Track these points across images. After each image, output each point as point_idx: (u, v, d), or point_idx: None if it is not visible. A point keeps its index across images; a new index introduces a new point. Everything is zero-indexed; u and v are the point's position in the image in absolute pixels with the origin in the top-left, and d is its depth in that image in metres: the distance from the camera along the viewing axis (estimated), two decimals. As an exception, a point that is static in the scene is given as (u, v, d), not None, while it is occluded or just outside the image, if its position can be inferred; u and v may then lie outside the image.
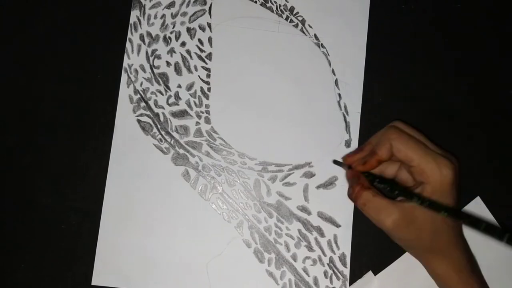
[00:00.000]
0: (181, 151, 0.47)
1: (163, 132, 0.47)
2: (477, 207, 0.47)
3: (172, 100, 0.48)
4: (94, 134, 0.47)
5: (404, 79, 0.49)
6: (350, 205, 0.47)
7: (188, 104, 0.48)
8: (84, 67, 0.48)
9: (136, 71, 0.48)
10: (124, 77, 0.48)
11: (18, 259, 0.45)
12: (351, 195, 0.41)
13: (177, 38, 0.49)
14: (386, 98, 0.48)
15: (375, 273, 0.46)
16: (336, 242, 0.46)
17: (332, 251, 0.46)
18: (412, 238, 0.39)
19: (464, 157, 0.44)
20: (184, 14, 0.49)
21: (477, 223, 0.36)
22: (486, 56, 0.49)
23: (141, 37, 0.48)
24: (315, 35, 0.49)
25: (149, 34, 0.48)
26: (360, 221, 0.46)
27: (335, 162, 0.45)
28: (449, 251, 0.40)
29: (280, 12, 0.49)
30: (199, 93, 0.48)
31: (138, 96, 0.48)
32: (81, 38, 0.48)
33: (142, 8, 0.49)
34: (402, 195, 0.39)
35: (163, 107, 0.48)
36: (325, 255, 0.46)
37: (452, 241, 0.40)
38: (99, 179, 0.46)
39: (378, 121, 0.48)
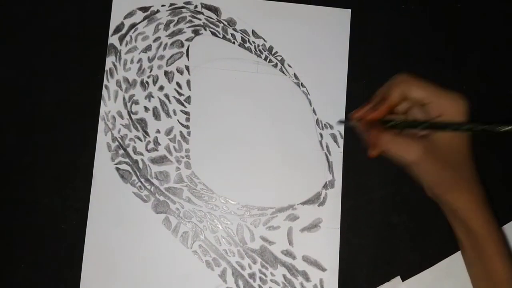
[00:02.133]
0: (162, 198, 0.46)
1: (142, 180, 0.46)
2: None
3: (151, 146, 0.47)
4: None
5: None
6: (336, 247, 0.46)
7: (168, 149, 0.47)
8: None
9: (114, 118, 0.47)
10: (101, 125, 0.47)
11: (18, 259, 0.45)
12: (370, 141, 0.40)
13: (154, 82, 0.48)
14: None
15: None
16: (322, 287, 0.45)
17: (318, 296, 0.45)
18: (437, 171, 0.39)
19: None
20: (161, 57, 0.48)
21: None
22: (486, 56, 0.50)
23: (118, 83, 0.48)
24: (294, 74, 0.49)
25: (125, 79, 0.48)
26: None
27: (341, 121, 0.45)
28: (471, 184, 0.40)
29: (258, 52, 0.49)
30: (178, 137, 0.47)
31: (117, 143, 0.47)
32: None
33: (118, 54, 0.48)
34: (431, 128, 0.39)
35: (142, 154, 0.47)
36: (311, 300, 0.45)
37: (473, 173, 0.40)
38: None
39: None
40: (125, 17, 0.48)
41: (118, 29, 0.48)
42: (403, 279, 0.46)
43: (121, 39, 0.48)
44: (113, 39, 0.48)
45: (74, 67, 0.48)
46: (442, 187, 0.41)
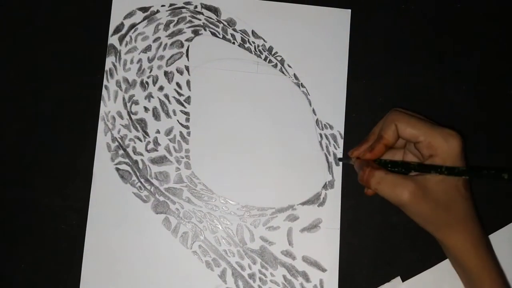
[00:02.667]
0: (161, 198, 0.46)
1: (142, 180, 0.46)
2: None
3: (151, 146, 0.47)
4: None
5: (403, 79, 0.49)
6: (336, 248, 0.46)
7: (168, 149, 0.47)
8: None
9: (114, 118, 0.47)
10: (101, 125, 0.47)
11: (18, 259, 0.45)
12: (363, 177, 0.40)
13: (154, 83, 0.48)
14: (385, 97, 0.49)
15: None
16: (322, 287, 0.45)
17: (318, 296, 0.45)
18: (428, 211, 0.38)
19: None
20: (161, 57, 0.48)
21: (501, 172, 0.35)
22: (486, 56, 0.50)
23: (118, 83, 0.48)
24: (294, 74, 0.49)
25: (125, 79, 0.48)
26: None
27: (340, 159, 0.45)
28: (465, 223, 0.39)
29: (258, 53, 0.49)
30: (178, 138, 0.47)
31: (116, 144, 0.47)
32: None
33: (118, 54, 0.48)
34: (418, 171, 0.39)
35: (142, 154, 0.47)
36: (311, 301, 0.45)
37: (468, 213, 0.40)
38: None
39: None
40: (125, 17, 0.48)
41: (118, 29, 0.48)
42: (403, 280, 0.46)
43: (121, 39, 0.48)
44: (113, 39, 0.48)
45: (74, 67, 0.48)
46: (434, 226, 0.40)
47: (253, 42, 0.49)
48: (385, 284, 0.46)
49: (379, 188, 0.39)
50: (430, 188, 0.38)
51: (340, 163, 0.47)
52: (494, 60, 0.50)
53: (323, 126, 0.48)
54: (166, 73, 0.48)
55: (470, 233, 0.40)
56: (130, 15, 0.48)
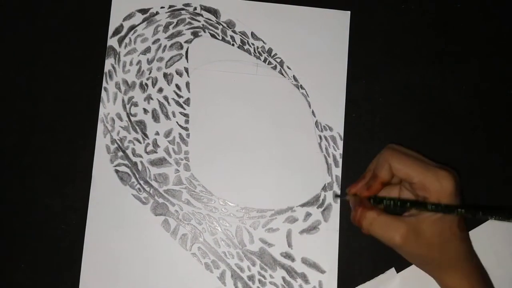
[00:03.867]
0: (161, 200, 0.46)
1: (141, 182, 0.46)
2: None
3: (150, 148, 0.47)
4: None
5: (403, 79, 0.49)
6: (335, 249, 0.46)
7: (167, 151, 0.47)
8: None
9: (113, 120, 0.47)
10: (100, 127, 0.47)
11: (18, 259, 0.45)
12: (355, 217, 0.40)
13: (154, 84, 0.48)
14: (385, 97, 0.49)
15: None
16: (321, 289, 0.45)
17: (317, 298, 0.45)
18: (422, 253, 0.38)
19: (464, 156, 0.46)
20: (161, 59, 0.48)
21: (499, 211, 0.35)
22: (486, 56, 0.50)
23: (117, 85, 0.48)
24: (294, 76, 0.48)
25: (125, 81, 0.48)
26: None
27: (337, 196, 0.45)
28: (460, 264, 0.39)
29: (258, 54, 0.49)
30: (177, 139, 0.47)
31: (116, 145, 0.47)
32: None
33: (117, 56, 0.48)
34: (413, 207, 0.38)
35: (141, 156, 0.47)
36: (310, 303, 0.45)
37: (462, 253, 0.39)
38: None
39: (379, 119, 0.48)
40: (124, 19, 0.48)
41: (117, 31, 0.48)
42: (398, 271, 0.46)
43: (120, 41, 0.48)
44: (112, 41, 0.48)
45: (73, 68, 0.48)
46: (429, 266, 0.40)
47: (253, 44, 0.49)
48: (379, 276, 0.45)
49: (371, 229, 0.38)
50: (424, 230, 0.38)
51: (338, 199, 0.47)
52: (494, 60, 0.50)
53: (323, 127, 0.48)
54: (165, 75, 0.48)
55: (465, 273, 0.39)
56: (129, 16, 0.48)
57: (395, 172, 0.39)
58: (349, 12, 0.49)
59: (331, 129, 0.48)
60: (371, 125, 0.48)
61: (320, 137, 0.48)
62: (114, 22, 0.48)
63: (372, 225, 0.38)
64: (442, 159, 0.47)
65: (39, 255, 0.45)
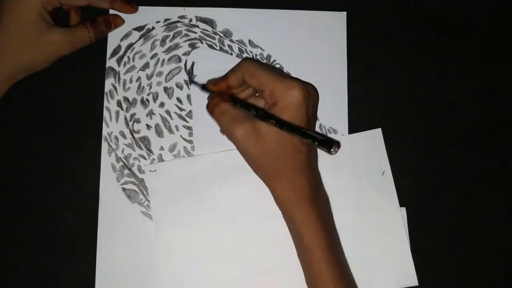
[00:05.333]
0: (170, 215, 0.46)
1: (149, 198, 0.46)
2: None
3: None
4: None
5: (403, 79, 0.49)
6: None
7: (173, 165, 0.47)
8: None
9: (117, 138, 0.47)
10: (104, 146, 0.47)
11: (18, 259, 0.45)
12: (209, 105, 0.42)
13: (155, 99, 0.48)
14: (385, 97, 0.48)
15: None
16: None
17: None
18: (257, 155, 0.40)
19: (464, 156, 0.46)
20: (160, 74, 0.48)
21: (326, 141, 0.36)
22: (486, 55, 0.49)
23: (118, 103, 0.48)
24: (294, 81, 0.48)
25: (126, 99, 0.48)
26: None
27: (192, 82, 0.47)
28: (293, 176, 0.40)
29: (257, 62, 0.48)
30: (183, 153, 0.47)
31: (121, 163, 0.47)
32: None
33: (117, 75, 0.48)
34: (258, 116, 0.39)
35: (147, 172, 0.47)
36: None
37: (298, 166, 0.40)
38: (99, 179, 0.46)
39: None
40: (122, 39, 0.48)
41: (115, 51, 0.48)
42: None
43: (119, 60, 0.48)
44: (111, 62, 0.48)
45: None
46: (263, 172, 0.41)
47: (251, 52, 0.49)
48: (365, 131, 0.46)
49: (220, 118, 0.41)
50: (265, 133, 0.39)
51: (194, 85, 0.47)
52: (494, 60, 0.49)
53: (327, 131, 0.48)
54: (166, 89, 0.48)
55: (295, 186, 0.40)
56: (126, 36, 0.48)
57: (248, 79, 0.41)
58: (345, 13, 0.49)
59: (335, 131, 0.48)
60: (371, 125, 0.48)
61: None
62: (112, 43, 0.48)
63: (222, 114, 0.40)
64: (442, 159, 0.47)
65: (39, 255, 0.45)
